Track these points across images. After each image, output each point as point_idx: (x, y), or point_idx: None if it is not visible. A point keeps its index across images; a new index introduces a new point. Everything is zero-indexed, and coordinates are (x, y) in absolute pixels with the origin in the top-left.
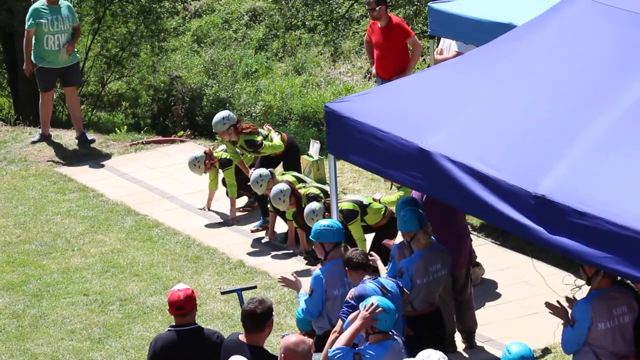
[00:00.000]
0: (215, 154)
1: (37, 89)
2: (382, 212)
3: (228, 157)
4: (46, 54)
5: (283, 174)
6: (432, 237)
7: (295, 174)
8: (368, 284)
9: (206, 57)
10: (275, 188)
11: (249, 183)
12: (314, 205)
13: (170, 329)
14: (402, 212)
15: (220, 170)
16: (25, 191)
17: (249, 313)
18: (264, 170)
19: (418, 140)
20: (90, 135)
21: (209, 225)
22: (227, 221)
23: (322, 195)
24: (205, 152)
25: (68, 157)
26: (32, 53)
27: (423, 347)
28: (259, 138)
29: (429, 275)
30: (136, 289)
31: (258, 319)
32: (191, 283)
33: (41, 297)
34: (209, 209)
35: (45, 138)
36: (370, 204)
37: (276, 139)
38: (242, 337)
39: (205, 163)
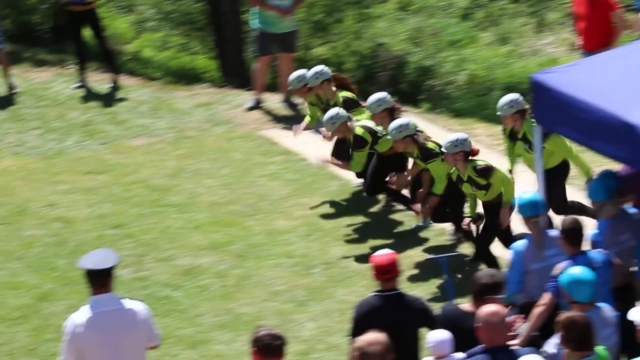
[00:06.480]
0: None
1: (242, 51)
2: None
3: (363, 136)
4: (269, 18)
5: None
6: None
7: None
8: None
9: (411, 24)
10: (332, 111)
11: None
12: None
13: (374, 293)
14: (591, 181)
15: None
16: (231, 153)
17: (478, 283)
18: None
19: (625, 114)
20: (295, 100)
21: None
22: None
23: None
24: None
25: (272, 121)
26: (257, 16)
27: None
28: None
29: (619, 245)
30: (339, 253)
31: (486, 288)
32: (394, 249)
33: (245, 258)
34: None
35: (258, 103)
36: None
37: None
38: (464, 306)
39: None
